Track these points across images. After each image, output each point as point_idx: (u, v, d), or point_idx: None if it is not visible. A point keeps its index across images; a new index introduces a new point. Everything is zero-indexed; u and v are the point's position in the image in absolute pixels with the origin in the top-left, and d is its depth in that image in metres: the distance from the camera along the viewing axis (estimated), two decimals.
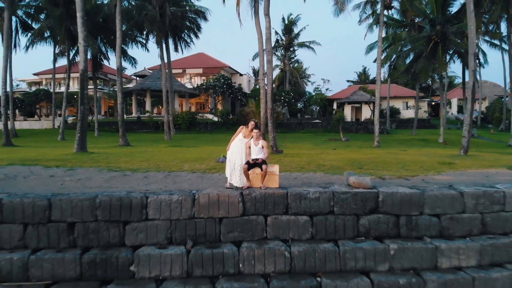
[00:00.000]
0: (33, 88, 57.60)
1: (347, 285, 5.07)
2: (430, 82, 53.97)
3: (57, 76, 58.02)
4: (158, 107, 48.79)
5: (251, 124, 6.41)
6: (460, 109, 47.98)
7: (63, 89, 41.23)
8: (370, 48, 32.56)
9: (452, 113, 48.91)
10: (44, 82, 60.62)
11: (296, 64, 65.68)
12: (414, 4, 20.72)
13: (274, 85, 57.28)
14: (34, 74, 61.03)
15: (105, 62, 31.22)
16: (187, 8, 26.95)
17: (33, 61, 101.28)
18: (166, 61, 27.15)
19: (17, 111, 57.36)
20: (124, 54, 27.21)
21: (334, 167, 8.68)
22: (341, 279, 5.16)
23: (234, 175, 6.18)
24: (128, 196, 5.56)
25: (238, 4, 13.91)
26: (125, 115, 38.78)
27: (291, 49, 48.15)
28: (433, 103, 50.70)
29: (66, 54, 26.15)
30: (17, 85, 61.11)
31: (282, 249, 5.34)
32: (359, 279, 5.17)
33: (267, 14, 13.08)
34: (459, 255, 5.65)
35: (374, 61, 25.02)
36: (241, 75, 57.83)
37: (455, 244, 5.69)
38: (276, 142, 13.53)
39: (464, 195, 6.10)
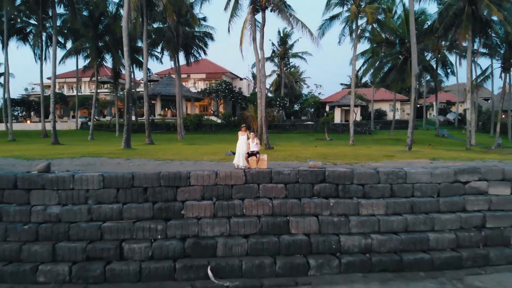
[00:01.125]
0: (48, 92, 61.30)
1: (303, 221, 8.88)
2: (417, 85, 57.85)
3: (68, 80, 61.87)
4: (165, 110, 52.65)
5: (242, 126, 10.48)
6: (441, 112, 51.82)
7: (82, 92, 45.06)
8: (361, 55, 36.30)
9: (433, 115, 52.79)
10: (57, 86, 64.38)
11: (292, 69, 69.50)
12: (386, 28, 24.43)
13: (272, 89, 60.76)
14: (48, 78, 64.69)
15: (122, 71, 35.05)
16: (196, 29, 30.84)
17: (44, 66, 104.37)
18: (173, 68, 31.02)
19: (32, 113, 61.26)
20: (141, 65, 31.09)
21: (306, 158, 12.45)
22: (301, 217, 8.96)
23: (240, 160, 9.99)
24: (178, 172, 9.37)
25: (241, 43, 17.65)
26: (137, 117, 42.69)
27: (286, 58, 51.89)
28: (418, 106, 54.49)
29: (94, 66, 29.88)
30: (32, 89, 65.01)
31: (268, 202, 9.12)
32: (311, 218, 8.97)
33: (261, 49, 16.86)
34: (373, 207, 9.43)
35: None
36: (241, 79, 61.66)
37: (370, 201, 9.49)
38: (268, 141, 17.30)
39: (379, 173, 9.89)
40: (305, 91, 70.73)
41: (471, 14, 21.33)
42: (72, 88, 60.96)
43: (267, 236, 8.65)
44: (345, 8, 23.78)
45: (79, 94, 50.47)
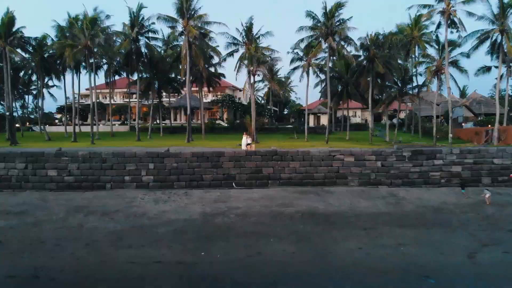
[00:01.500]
0: (86, 100, 76.05)
1: (267, 168, 24.27)
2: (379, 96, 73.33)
3: (104, 91, 76.63)
4: (186, 116, 67.79)
5: (244, 132, 26.25)
6: (390, 117, 67.07)
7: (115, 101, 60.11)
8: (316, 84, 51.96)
9: (384, 120, 68.06)
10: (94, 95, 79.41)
11: (283, 79, 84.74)
12: (335, 65, 39.68)
13: (264, 98, 76.55)
14: (86, 89, 79.61)
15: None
16: (215, 68, 46.10)
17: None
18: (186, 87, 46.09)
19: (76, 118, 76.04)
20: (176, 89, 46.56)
21: (271, 146, 27.71)
22: (266, 167, 24.33)
23: (243, 146, 25.45)
24: (220, 151, 24.79)
25: (243, 91, 32.73)
26: (162, 122, 57.68)
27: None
28: (375, 113, 69.81)
29: (150, 93, 45.34)
30: (75, 98, 79.45)
31: (254, 162, 24.46)
32: (269, 168, 24.37)
33: (253, 93, 32.12)
34: (295, 164, 24.79)
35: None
36: (240, 90, 76.85)
37: (294, 162, 24.88)
38: (256, 138, 32.43)
39: (298, 151, 25.27)
40: (293, 97, 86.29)
41: (364, 68, 36.72)
42: (106, 97, 75.94)
43: (254, 173, 23.96)
44: (302, 62, 39.03)
45: (114, 102, 65.42)
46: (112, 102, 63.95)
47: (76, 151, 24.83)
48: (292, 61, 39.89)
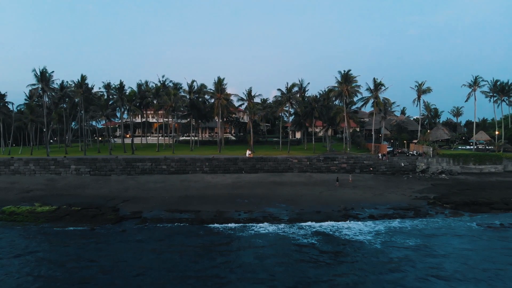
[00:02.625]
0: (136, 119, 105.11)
1: (260, 164, 54.09)
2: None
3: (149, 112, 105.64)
4: (208, 133, 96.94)
5: (247, 148, 56.17)
6: (341, 133, 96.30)
7: (157, 120, 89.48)
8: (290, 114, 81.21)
9: (339, 135, 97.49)
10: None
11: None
12: (302, 104, 69.38)
13: (261, 119, 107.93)
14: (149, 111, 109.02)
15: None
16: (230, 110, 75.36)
17: None
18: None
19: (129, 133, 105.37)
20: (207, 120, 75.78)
21: (260, 154, 57.05)
22: (258, 163, 54.09)
23: (247, 155, 55.26)
24: (236, 157, 54.71)
25: (243, 115, 61.53)
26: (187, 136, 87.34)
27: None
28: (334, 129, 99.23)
29: (192, 123, 74.40)
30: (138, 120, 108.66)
31: (253, 161, 54.27)
32: (258, 164, 54.19)
33: (250, 119, 61.35)
34: (269, 162, 54.52)
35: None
36: (241, 110, 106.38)
37: (268, 162, 54.65)
38: (253, 149, 61.56)
39: (277, 157, 55.08)
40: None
41: (310, 113, 66.42)
42: (151, 117, 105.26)
43: (252, 167, 53.65)
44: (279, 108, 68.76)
45: (159, 121, 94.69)
46: (156, 120, 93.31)
47: (173, 157, 54.49)
48: (274, 103, 69.33)
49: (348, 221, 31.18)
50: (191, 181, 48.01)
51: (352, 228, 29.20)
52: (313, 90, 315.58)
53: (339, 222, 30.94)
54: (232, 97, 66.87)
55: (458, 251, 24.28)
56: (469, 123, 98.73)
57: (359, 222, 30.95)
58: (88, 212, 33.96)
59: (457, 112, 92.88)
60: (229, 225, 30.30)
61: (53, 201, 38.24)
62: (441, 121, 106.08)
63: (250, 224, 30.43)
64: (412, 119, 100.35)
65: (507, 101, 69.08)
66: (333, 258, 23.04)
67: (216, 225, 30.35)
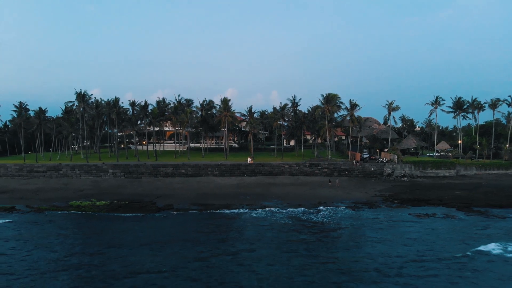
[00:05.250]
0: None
1: (259, 168, 66.66)
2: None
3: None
4: (212, 139, 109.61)
5: (249, 156, 68.71)
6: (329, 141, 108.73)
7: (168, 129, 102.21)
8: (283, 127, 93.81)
9: (326, 142, 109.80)
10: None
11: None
12: (293, 118, 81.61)
13: (260, 129, 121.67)
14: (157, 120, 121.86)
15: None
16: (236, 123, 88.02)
17: None
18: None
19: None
20: (216, 131, 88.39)
21: (259, 160, 69.50)
22: (257, 169, 66.64)
23: (248, 161, 67.87)
24: (238, 163, 67.30)
25: (244, 128, 74.04)
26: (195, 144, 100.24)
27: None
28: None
29: (203, 134, 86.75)
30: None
31: (253, 167, 66.86)
32: (257, 169, 66.76)
33: (251, 132, 73.82)
34: (266, 167, 67.10)
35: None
36: (245, 121, 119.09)
37: (267, 167, 67.26)
38: (253, 156, 74.01)
39: (271, 163, 67.67)
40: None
41: (300, 126, 78.66)
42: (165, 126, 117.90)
43: (252, 171, 66.23)
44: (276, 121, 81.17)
45: (168, 130, 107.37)
46: (169, 129, 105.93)
47: (189, 163, 67.10)
48: (270, 115, 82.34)
49: (317, 209, 43.78)
50: (205, 182, 60.53)
51: (318, 215, 41.74)
52: (314, 89, 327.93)
53: (311, 209, 43.65)
54: (233, 106, 79.68)
55: (385, 227, 36.71)
56: (439, 133, 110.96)
57: (325, 211, 43.50)
58: (134, 205, 46.52)
59: (429, 123, 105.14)
60: (235, 211, 42.97)
61: (103, 198, 50.74)
62: (419, 130, 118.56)
63: (250, 210, 43.12)
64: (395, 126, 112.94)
65: (465, 116, 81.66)
66: (301, 227, 35.51)
67: (226, 211, 43.05)
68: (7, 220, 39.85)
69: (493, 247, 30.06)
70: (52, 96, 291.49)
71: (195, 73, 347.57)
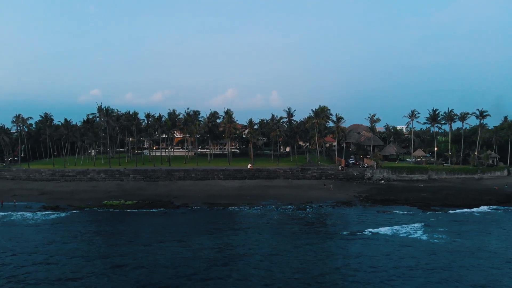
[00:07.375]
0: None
1: (259, 171, 77.17)
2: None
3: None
4: (216, 145, 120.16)
5: (249, 162, 79.37)
6: (320, 147, 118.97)
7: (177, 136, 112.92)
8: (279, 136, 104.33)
9: (319, 149, 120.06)
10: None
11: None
12: (288, 129, 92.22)
13: (259, 137, 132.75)
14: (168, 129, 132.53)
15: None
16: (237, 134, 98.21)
17: None
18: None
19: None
20: (220, 138, 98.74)
21: (258, 165, 79.85)
22: (256, 173, 77.10)
23: (248, 166, 78.32)
24: (241, 168, 77.84)
25: (244, 135, 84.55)
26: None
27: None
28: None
29: (209, 140, 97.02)
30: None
31: (253, 171, 77.31)
32: (257, 173, 77.25)
33: (251, 140, 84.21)
34: (263, 171, 77.52)
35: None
36: (246, 128, 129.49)
37: (264, 172, 77.70)
38: (253, 161, 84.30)
39: (268, 169, 78.09)
40: None
41: (293, 136, 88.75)
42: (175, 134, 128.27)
43: (252, 175, 76.64)
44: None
45: (176, 136, 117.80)
46: (176, 135, 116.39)
47: (198, 168, 77.56)
48: (268, 125, 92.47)
49: (304, 207, 54.20)
50: (212, 185, 70.89)
51: (304, 211, 52.13)
52: (312, 89, 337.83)
53: (299, 207, 54.18)
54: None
55: (350, 219, 47.03)
56: (421, 139, 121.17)
57: (310, 208, 53.91)
58: (156, 204, 56.85)
59: (410, 131, 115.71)
60: (238, 208, 53.53)
61: (129, 198, 61.08)
62: (406, 134, 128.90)
63: (250, 208, 53.67)
64: (382, 131, 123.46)
65: (439, 127, 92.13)
66: (289, 219, 45.82)
67: (230, 208, 53.58)
68: (62, 215, 50.42)
69: (387, 230, 41.78)
70: (52, 96, 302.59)
71: (195, 73, 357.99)
